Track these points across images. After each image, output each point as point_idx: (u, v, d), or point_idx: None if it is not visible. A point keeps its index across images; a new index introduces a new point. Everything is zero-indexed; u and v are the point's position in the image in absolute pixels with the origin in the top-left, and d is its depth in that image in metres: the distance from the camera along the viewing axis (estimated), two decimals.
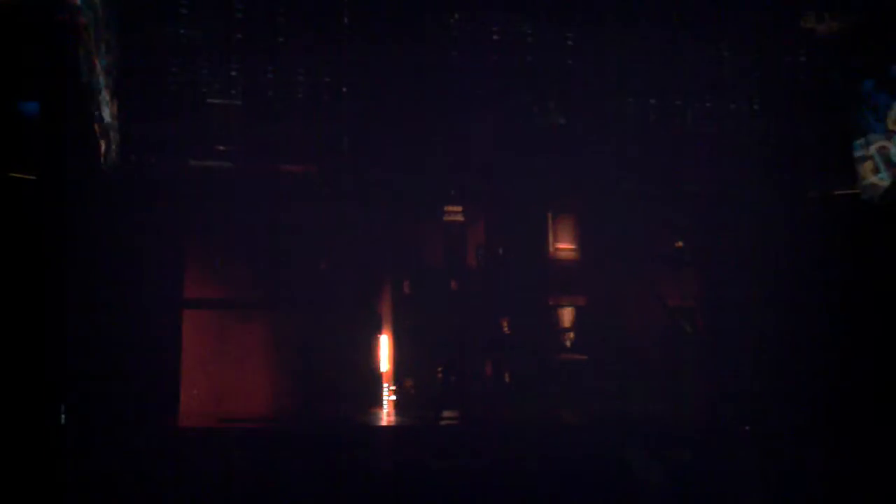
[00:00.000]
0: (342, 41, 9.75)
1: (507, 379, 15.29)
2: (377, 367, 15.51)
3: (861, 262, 9.76)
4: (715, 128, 10.56)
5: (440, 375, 14.75)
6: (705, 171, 10.80)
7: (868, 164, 9.63)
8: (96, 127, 7.66)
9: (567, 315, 16.18)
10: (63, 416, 6.86)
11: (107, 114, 8.12)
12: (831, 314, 10.08)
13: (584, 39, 10.14)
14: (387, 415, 14.58)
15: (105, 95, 8.13)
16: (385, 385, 15.54)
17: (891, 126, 9.35)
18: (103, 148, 7.81)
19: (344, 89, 9.91)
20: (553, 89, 10.99)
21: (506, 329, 15.89)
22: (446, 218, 14.72)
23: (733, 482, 8.62)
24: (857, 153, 9.78)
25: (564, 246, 16.06)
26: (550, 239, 15.93)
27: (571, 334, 16.22)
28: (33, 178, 7.01)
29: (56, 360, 6.54)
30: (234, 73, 9.57)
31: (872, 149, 9.52)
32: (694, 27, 9.78)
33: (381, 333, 15.79)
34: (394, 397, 15.45)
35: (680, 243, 13.86)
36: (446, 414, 13.82)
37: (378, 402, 15.17)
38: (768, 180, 10.53)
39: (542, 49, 10.29)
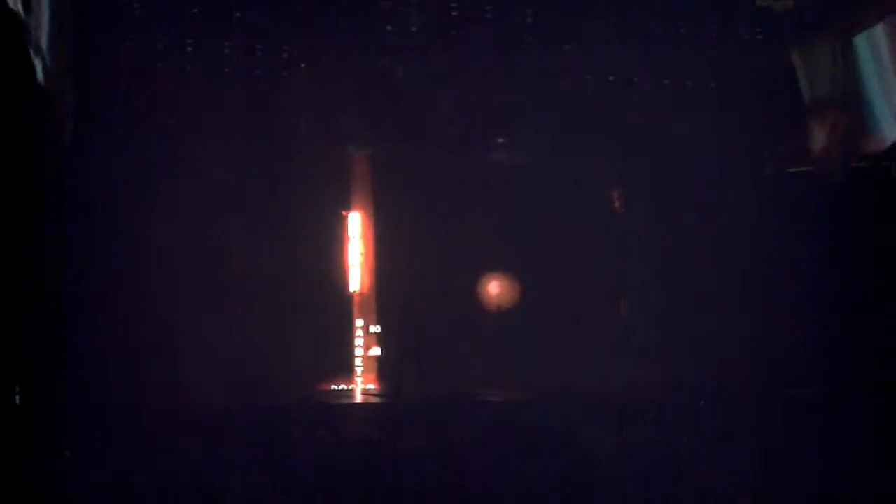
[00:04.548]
0: (302, 17, 9.59)
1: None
2: (344, 284, 9.21)
3: (816, 240, 9.92)
4: (671, 105, 10.60)
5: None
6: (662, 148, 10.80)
7: (823, 141, 9.78)
8: (50, 105, 7.51)
9: None
10: (17, 397, 6.77)
11: (61, 89, 7.97)
12: (786, 294, 10.22)
13: (541, 17, 10.06)
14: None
15: (59, 70, 7.98)
16: (359, 324, 9.18)
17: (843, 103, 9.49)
18: (57, 126, 7.66)
19: (303, 65, 9.78)
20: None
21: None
22: None
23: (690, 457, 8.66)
24: (813, 131, 9.92)
25: None
26: None
27: None
28: None
29: (9, 341, 6.45)
30: (189, 49, 9.41)
31: (827, 126, 9.65)
32: (650, 5, 9.81)
33: (348, 211, 9.45)
34: (378, 351, 8.96)
35: None
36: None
37: (345, 368, 8.83)
38: (723, 157, 10.62)
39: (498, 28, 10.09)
